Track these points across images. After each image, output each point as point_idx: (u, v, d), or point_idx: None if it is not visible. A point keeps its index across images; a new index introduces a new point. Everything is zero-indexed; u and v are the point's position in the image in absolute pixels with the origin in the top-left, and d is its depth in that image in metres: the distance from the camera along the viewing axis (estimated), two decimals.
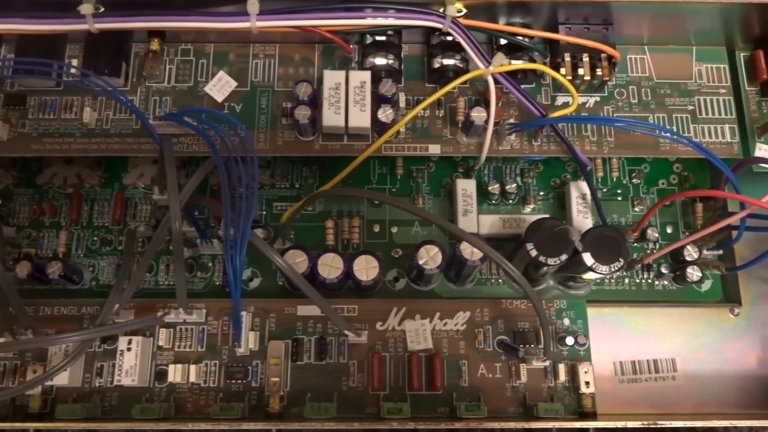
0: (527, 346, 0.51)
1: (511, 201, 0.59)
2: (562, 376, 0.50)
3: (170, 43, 0.55)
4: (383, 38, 0.54)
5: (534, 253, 0.48)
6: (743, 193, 0.54)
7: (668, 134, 0.52)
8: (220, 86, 0.54)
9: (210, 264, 0.57)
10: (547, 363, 0.50)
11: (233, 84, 0.54)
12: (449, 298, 0.56)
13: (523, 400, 0.50)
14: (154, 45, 0.54)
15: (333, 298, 0.52)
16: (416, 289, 0.57)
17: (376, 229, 0.58)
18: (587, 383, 0.49)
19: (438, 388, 0.49)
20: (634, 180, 0.59)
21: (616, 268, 0.48)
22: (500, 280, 0.57)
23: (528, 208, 0.59)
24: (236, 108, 0.54)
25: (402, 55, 0.55)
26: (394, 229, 0.58)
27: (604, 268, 0.48)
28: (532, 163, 0.60)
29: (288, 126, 0.53)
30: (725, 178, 0.52)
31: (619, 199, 0.59)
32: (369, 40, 0.54)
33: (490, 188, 0.57)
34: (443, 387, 0.50)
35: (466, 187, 0.56)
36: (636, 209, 0.59)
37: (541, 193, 0.59)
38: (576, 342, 0.50)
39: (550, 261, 0.48)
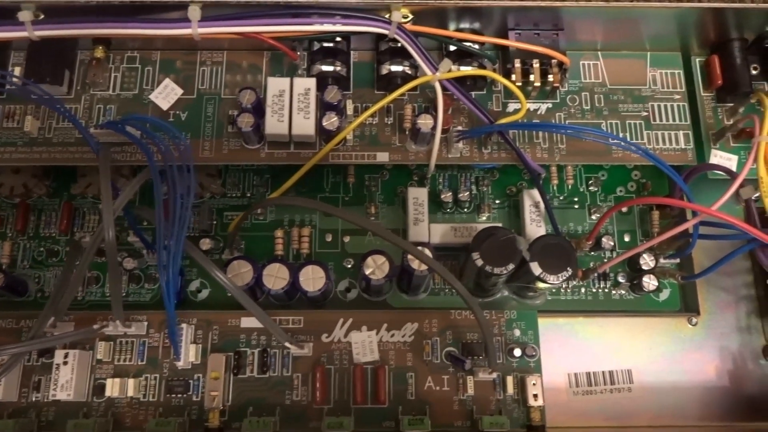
0: (475, 357, 0.49)
1: (465, 210, 0.58)
2: (511, 389, 0.49)
3: (116, 51, 0.54)
4: (331, 45, 0.53)
5: (480, 262, 0.47)
6: (695, 200, 0.53)
7: (617, 141, 0.51)
8: (166, 94, 0.53)
9: (158, 275, 0.56)
10: (494, 375, 0.48)
11: (179, 92, 0.53)
12: (401, 309, 0.55)
13: (470, 413, 0.49)
14: (99, 52, 0.53)
15: (284, 310, 0.51)
16: (368, 299, 0.56)
17: (329, 238, 0.57)
18: (535, 396, 0.48)
19: (382, 402, 0.48)
20: (591, 188, 0.58)
21: (565, 278, 0.47)
22: (454, 291, 0.56)
23: (483, 217, 0.58)
24: (181, 116, 0.53)
25: (351, 62, 0.55)
26: (347, 239, 0.57)
27: (553, 278, 0.47)
28: (487, 171, 0.59)
29: (234, 134, 0.52)
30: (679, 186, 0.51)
31: (576, 207, 0.58)
32: (316, 46, 0.53)
33: (442, 197, 0.56)
34: (388, 400, 0.49)
35: (418, 196, 0.55)
36: (593, 217, 0.58)
37: (497, 202, 0.58)
38: (525, 353, 0.49)
39: (497, 270, 0.47)
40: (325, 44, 0.53)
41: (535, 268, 0.47)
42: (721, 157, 0.54)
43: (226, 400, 0.48)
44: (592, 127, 0.53)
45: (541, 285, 0.50)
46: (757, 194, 0.48)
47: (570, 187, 0.58)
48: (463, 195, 0.56)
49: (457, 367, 0.49)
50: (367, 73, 0.54)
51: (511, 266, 0.47)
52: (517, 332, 0.51)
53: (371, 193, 0.58)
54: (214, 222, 0.57)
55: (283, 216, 0.58)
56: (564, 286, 0.56)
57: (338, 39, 0.53)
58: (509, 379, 0.49)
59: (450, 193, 0.56)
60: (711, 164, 0.52)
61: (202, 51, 0.55)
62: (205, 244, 0.55)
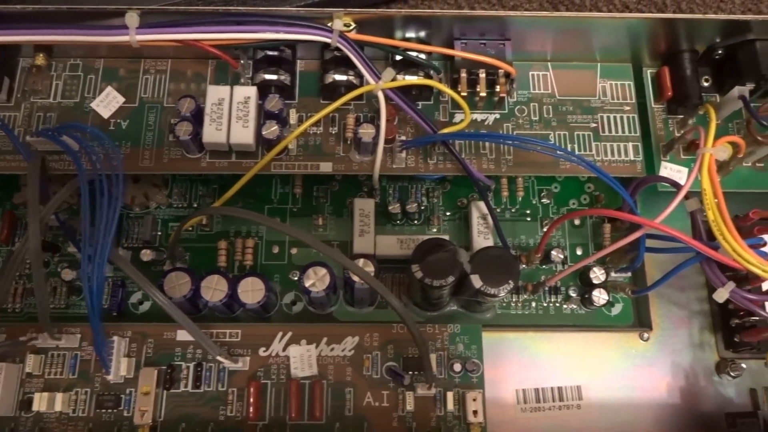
0: (415, 372, 0.48)
1: (416, 222, 0.57)
2: (451, 405, 0.47)
3: (58, 59, 0.54)
4: (275, 54, 0.52)
5: (419, 274, 0.46)
6: (644, 212, 0.52)
7: (560, 152, 0.50)
8: (107, 102, 0.52)
9: None
10: (434, 391, 0.47)
11: (121, 100, 0.52)
12: (346, 322, 0.53)
13: (409, 430, 0.47)
14: (40, 60, 0.53)
15: (222, 322, 0.50)
16: (314, 313, 0.54)
17: (275, 250, 0.56)
18: (475, 412, 0.47)
19: (318, 418, 0.47)
20: (543, 200, 0.58)
21: (506, 290, 0.46)
22: (402, 304, 0.55)
23: (433, 229, 0.57)
24: (122, 125, 0.52)
25: (297, 72, 0.54)
26: (294, 251, 0.56)
27: (494, 290, 0.46)
28: (438, 183, 0.58)
29: (175, 143, 0.51)
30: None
31: (528, 219, 0.57)
32: (260, 55, 0.52)
33: (390, 208, 0.55)
34: (325, 416, 0.47)
35: (364, 207, 0.54)
36: (545, 230, 0.57)
37: (447, 214, 0.57)
38: (466, 368, 0.48)
39: (436, 283, 0.46)
40: (269, 53, 0.52)
41: (476, 281, 0.46)
42: (671, 169, 0.53)
43: (158, 415, 0.47)
44: (539, 139, 0.52)
45: (485, 298, 0.49)
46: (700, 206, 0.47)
47: (521, 199, 0.57)
48: (411, 206, 0.55)
49: (397, 383, 0.48)
50: (313, 83, 0.53)
51: (451, 279, 0.46)
52: (461, 347, 0.50)
53: (320, 204, 0.57)
54: (159, 233, 0.56)
55: (229, 227, 0.57)
56: (514, 300, 0.55)
57: (284, 48, 0.52)
58: (450, 395, 0.47)
59: (398, 205, 0.55)
60: (656, 176, 0.51)
61: (146, 59, 0.54)
62: (146, 255, 0.54)
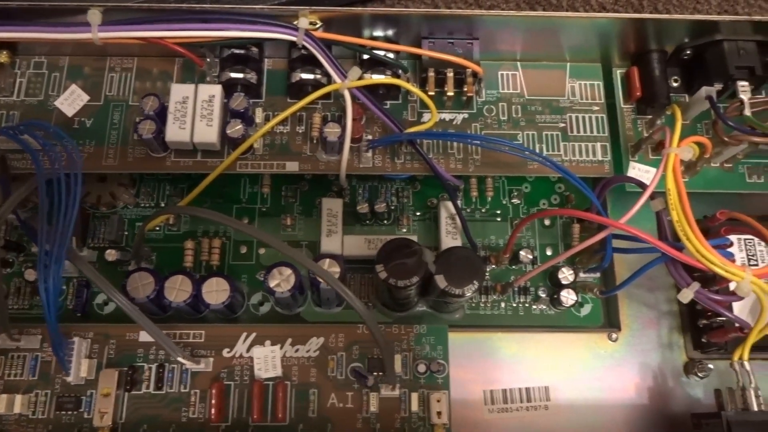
0: (380, 373, 0.48)
1: (385, 222, 0.57)
2: (415, 406, 0.47)
3: (23, 56, 0.53)
4: (242, 52, 0.52)
5: (384, 275, 0.46)
6: (612, 212, 0.52)
7: (524, 152, 0.50)
8: (72, 100, 0.52)
9: (63, 287, 0.54)
10: (398, 392, 0.47)
11: (85, 98, 0.52)
12: (313, 323, 0.53)
13: (373, 431, 0.47)
14: (3, 57, 0.52)
15: (185, 323, 0.50)
16: (282, 313, 0.54)
17: (243, 250, 0.56)
18: (439, 413, 0.46)
19: (281, 420, 0.46)
20: (514, 200, 0.57)
21: (471, 291, 0.46)
22: (369, 304, 0.55)
23: (403, 229, 0.56)
24: (86, 123, 0.51)
25: (265, 70, 0.53)
26: (262, 251, 0.56)
27: (458, 291, 0.46)
28: (408, 183, 0.57)
29: (140, 142, 0.51)
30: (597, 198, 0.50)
31: (498, 219, 0.57)
32: (227, 53, 0.52)
33: (358, 208, 0.54)
34: (289, 418, 0.47)
35: (332, 207, 0.54)
36: (520, 230, 0.57)
37: (417, 214, 0.57)
38: (429, 369, 0.48)
39: (401, 283, 0.46)
40: (236, 51, 0.51)
41: (441, 281, 0.46)
42: (639, 170, 0.53)
43: (119, 417, 0.46)
44: (507, 138, 0.52)
45: (451, 298, 0.48)
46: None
47: (491, 199, 0.57)
48: (380, 207, 0.54)
49: (361, 384, 0.48)
50: (281, 82, 0.53)
51: (415, 279, 0.46)
52: (427, 348, 0.49)
53: (289, 204, 0.57)
54: (126, 233, 0.56)
55: (196, 227, 0.56)
56: (483, 300, 0.55)
57: (251, 47, 0.52)
58: (414, 396, 0.47)
59: (366, 205, 0.54)
60: (622, 176, 0.51)
61: (112, 57, 0.53)
62: (111, 255, 0.53)
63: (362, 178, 0.57)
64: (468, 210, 0.57)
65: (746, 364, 0.47)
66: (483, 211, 0.57)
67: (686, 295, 0.46)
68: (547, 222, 0.57)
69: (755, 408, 0.46)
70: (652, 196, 0.47)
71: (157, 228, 0.56)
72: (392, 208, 0.57)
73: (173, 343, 0.45)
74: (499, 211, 0.57)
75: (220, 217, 0.44)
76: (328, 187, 0.57)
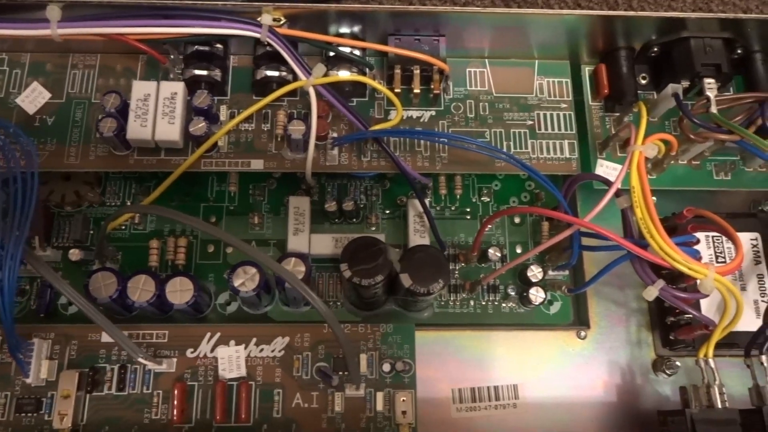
0: (346, 373, 0.47)
1: (354, 220, 0.56)
2: (380, 406, 0.47)
3: None
4: (206, 49, 0.51)
5: (348, 274, 0.46)
6: (580, 210, 0.52)
7: (491, 150, 0.50)
8: (33, 98, 0.51)
9: (27, 287, 0.53)
10: (362, 391, 0.46)
11: (47, 95, 0.51)
12: (279, 322, 0.53)
13: (338, 431, 0.46)
14: None
15: (148, 323, 0.49)
16: (249, 313, 0.53)
17: (211, 249, 0.55)
18: (404, 413, 0.46)
19: (245, 420, 0.46)
20: (483, 198, 0.57)
21: (436, 290, 0.46)
22: (338, 303, 0.54)
23: (372, 228, 0.56)
24: (48, 121, 0.51)
25: (230, 67, 0.53)
26: (230, 250, 0.55)
27: (423, 290, 0.46)
28: (377, 181, 0.57)
29: (102, 140, 0.50)
30: (563, 196, 0.50)
31: (468, 218, 0.57)
32: (191, 50, 0.51)
33: (326, 207, 0.54)
34: (253, 419, 0.46)
35: (299, 205, 0.54)
36: (486, 228, 0.56)
37: (387, 212, 0.57)
38: (394, 368, 0.47)
39: (365, 282, 0.45)
40: (200, 48, 0.51)
41: (405, 280, 0.46)
42: (607, 167, 0.53)
43: (80, 419, 0.46)
44: (474, 136, 0.52)
45: (416, 297, 0.48)
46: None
47: (460, 197, 0.57)
48: (348, 205, 0.54)
49: (326, 383, 0.47)
50: (246, 79, 0.52)
51: (380, 278, 0.46)
52: (394, 347, 0.49)
53: (257, 202, 0.56)
54: (91, 232, 0.55)
55: (163, 226, 0.55)
56: (452, 299, 0.55)
57: (216, 44, 0.51)
58: (380, 396, 0.47)
59: (334, 203, 0.54)
60: (588, 174, 0.51)
61: (75, 54, 0.53)
62: (75, 255, 0.52)
63: (331, 176, 0.57)
64: (437, 208, 0.57)
65: (711, 361, 0.47)
66: (453, 209, 0.57)
67: (651, 293, 0.46)
68: (517, 220, 0.57)
69: (719, 405, 0.46)
70: (618, 194, 0.46)
71: (123, 227, 0.55)
72: (361, 206, 0.56)
73: (133, 344, 0.44)
74: (468, 209, 0.57)
75: (181, 216, 0.44)
76: (297, 185, 0.57)
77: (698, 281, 0.44)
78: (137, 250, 0.54)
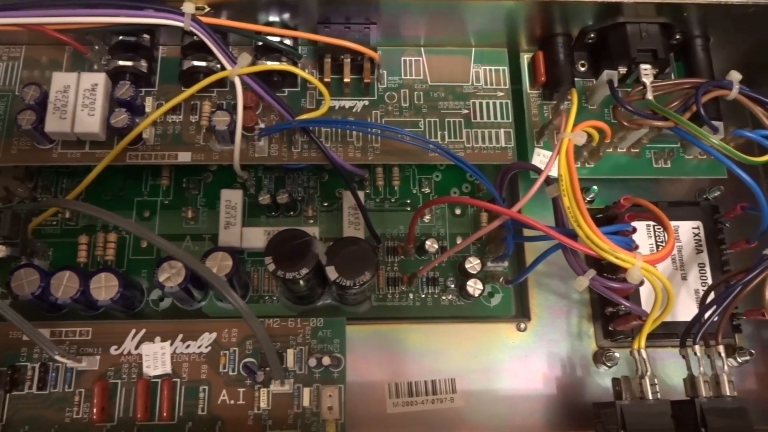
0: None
1: (291, 213, 0.55)
2: (307, 401, 0.46)
3: None
4: (131, 39, 0.50)
5: (272, 267, 0.45)
6: (510, 200, 0.51)
7: (416, 140, 0.49)
8: None
9: None
10: (288, 387, 0.45)
11: None
12: (208, 318, 0.52)
13: (265, 428, 0.46)
14: None
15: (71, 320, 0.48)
16: (182, 309, 0.52)
17: (144, 245, 0.54)
18: (330, 408, 0.45)
19: (168, 418, 0.45)
20: (424, 189, 0.56)
21: (362, 282, 0.45)
22: (274, 298, 0.53)
23: (309, 221, 0.55)
24: None
25: (159, 58, 0.52)
26: None
27: (349, 282, 0.45)
28: (315, 173, 0.56)
29: (24, 133, 0.49)
30: (498, 185, 0.49)
31: (408, 209, 0.56)
32: (115, 41, 0.50)
33: (260, 200, 0.53)
34: (177, 416, 0.45)
35: (231, 198, 0.53)
36: (426, 219, 0.56)
37: (325, 204, 0.56)
38: (320, 363, 0.46)
39: (288, 275, 0.44)
40: (125, 39, 0.50)
41: (331, 273, 0.45)
42: (544, 156, 0.52)
43: (0, 419, 0.45)
44: (408, 125, 0.51)
45: (344, 290, 0.47)
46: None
47: (399, 188, 0.56)
48: (282, 198, 0.53)
49: (252, 379, 0.46)
50: (175, 69, 0.51)
51: (304, 271, 0.45)
52: (324, 341, 0.48)
53: (193, 196, 0.55)
54: (20, 228, 0.54)
55: (96, 221, 0.54)
56: (391, 292, 0.54)
57: (142, 34, 0.50)
58: (306, 391, 0.46)
59: (268, 196, 0.53)
60: (521, 163, 0.50)
61: None
62: (1, 251, 0.51)
63: (268, 169, 0.56)
64: (377, 200, 0.56)
65: (643, 352, 0.46)
66: (393, 200, 0.56)
67: (581, 283, 0.45)
68: (458, 211, 0.56)
69: (650, 397, 0.45)
70: (549, 182, 0.45)
71: (54, 222, 0.54)
72: (299, 198, 0.55)
73: (49, 341, 0.43)
74: (409, 201, 0.56)
75: (97, 211, 0.43)
76: (233, 179, 0.56)
77: (628, 271, 0.44)
78: (67, 246, 0.53)
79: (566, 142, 0.45)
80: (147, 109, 0.50)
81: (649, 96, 0.49)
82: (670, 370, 0.53)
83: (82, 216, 0.54)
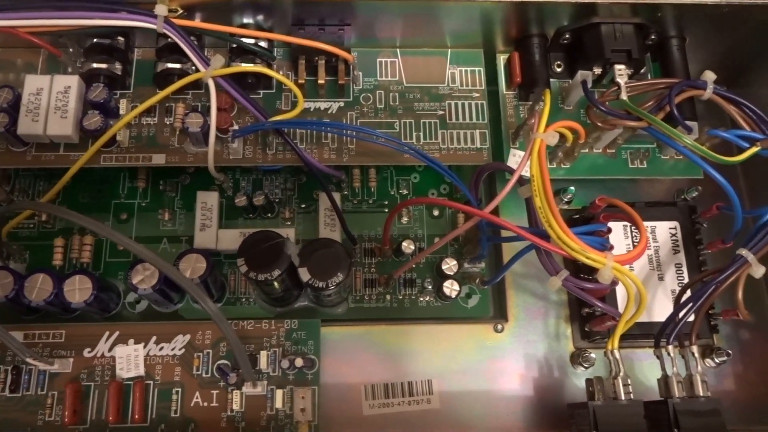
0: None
1: (269, 215, 0.55)
2: (279, 403, 0.46)
3: None
4: (106, 41, 0.50)
5: (244, 269, 0.44)
6: (484, 201, 0.51)
7: (388, 141, 0.49)
8: None
9: None
10: (260, 389, 0.45)
11: None
12: (183, 320, 0.52)
13: (238, 430, 0.45)
14: None
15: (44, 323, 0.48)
16: (159, 311, 0.52)
17: (120, 247, 0.54)
18: (303, 410, 0.45)
19: (139, 420, 0.45)
20: (402, 190, 0.56)
21: (335, 284, 0.45)
22: (251, 300, 0.53)
23: (287, 222, 0.55)
24: None
25: (134, 60, 0.52)
26: None
27: (322, 284, 0.45)
28: (292, 174, 0.56)
29: None
30: (472, 186, 0.49)
31: (386, 210, 0.56)
32: (89, 43, 0.50)
33: (236, 201, 0.53)
34: (150, 419, 0.45)
35: (207, 200, 0.53)
36: (403, 220, 0.56)
37: (302, 206, 0.56)
38: (293, 364, 0.46)
39: (261, 277, 0.44)
40: (99, 41, 0.50)
41: (304, 274, 0.45)
42: (519, 157, 0.52)
43: None
44: (383, 127, 0.51)
45: (318, 292, 0.47)
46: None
47: (375, 189, 0.56)
48: (258, 199, 0.53)
49: (225, 381, 0.46)
50: (150, 72, 0.51)
51: (276, 272, 0.44)
52: (298, 343, 0.48)
53: (169, 198, 0.55)
54: None
55: (72, 224, 0.54)
56: (368, 293, 0.54)
57: (117, 36, 0.50)
58: (278, 393, 0.46)
59: (244, 198, 0.53)
60: (495, 164, 0.50)
61: None
62: None
63: (246, 171, 0.56)
64: (354, 201, 0.56)
65: (616, 353, 0.46)
66: (370, 202, 0.56)
67: (554, 283, 0.45)
68: (435, 213, 0.56)
69: (623, 397, 0.45)
70: (522, 183, 0.45)
71: (31, 225, 0.54)
72: (276, 200, 0.55)
73: (20, 344, 0.43)
74: (386, 202, 0.56)
75: (66, 213, 0.43)
76: (211, 181, 0.56)
77: (599, 271, 0.43)
78: (44, 249, 0.53)
79: (538, 142, 0.45)
80: (122, 112, 0.50)
81: (623, 96, 0.49)
82: (647, 371, 0.53)
83: (59, 219, 0.54)
